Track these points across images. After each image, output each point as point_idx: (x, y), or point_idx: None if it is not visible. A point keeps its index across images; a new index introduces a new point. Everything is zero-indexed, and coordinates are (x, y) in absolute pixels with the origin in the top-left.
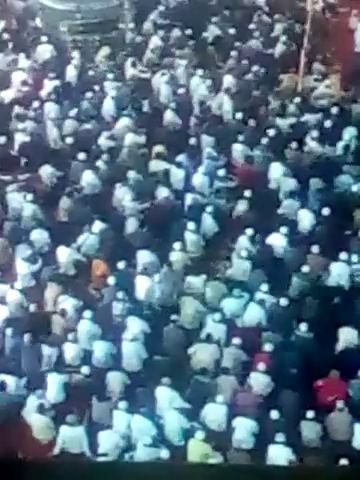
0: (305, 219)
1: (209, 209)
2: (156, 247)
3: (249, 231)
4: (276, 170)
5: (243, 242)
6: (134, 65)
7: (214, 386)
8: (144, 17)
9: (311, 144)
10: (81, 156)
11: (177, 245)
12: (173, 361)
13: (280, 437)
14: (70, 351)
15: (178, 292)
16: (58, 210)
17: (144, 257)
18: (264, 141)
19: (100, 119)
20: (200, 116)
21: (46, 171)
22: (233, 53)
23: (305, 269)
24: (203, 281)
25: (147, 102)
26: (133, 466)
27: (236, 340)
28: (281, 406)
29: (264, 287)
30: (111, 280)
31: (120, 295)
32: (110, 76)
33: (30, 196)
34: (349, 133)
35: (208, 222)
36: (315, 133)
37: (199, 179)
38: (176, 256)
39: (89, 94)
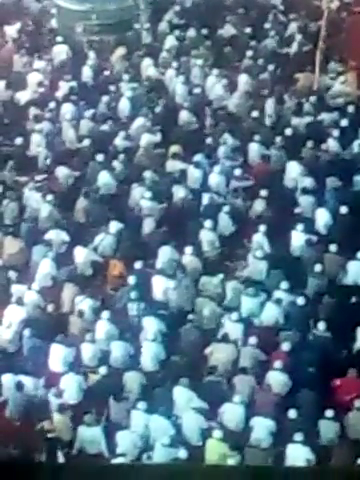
0: (322, 218)
1: (226, 209)
2: (173, 247)
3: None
4: (293, 169)
5: (259, 241)
6: (155, 65)
7: (231, 386)
8: (160, 17)
9: (330, 143)
10: (97, 157)
11: (189, 249)
12: (190, 361)
13: (298, 436)
14: (88, 351)
15: (194, 293)
16: (75, 211)
17: (165, 254)
18: (280, 140)
19: (116, 119)
20: (213, 115)
21: (62, 172)
22: (248, 52)
23: (322, 268)
24: (219, 281)
25: (163, 102)
26: (151, 468)
27: (253, 339)
28: (299, 405)
29: (282, 286)
30: (128, 280)
31: (134, 295)
32: (126, 76)
33: (49, 196)
34: None
35: (225, 222)
36: (334, 132)
37: (215, 179)
38: (190, 257)
39: (105, 95)
